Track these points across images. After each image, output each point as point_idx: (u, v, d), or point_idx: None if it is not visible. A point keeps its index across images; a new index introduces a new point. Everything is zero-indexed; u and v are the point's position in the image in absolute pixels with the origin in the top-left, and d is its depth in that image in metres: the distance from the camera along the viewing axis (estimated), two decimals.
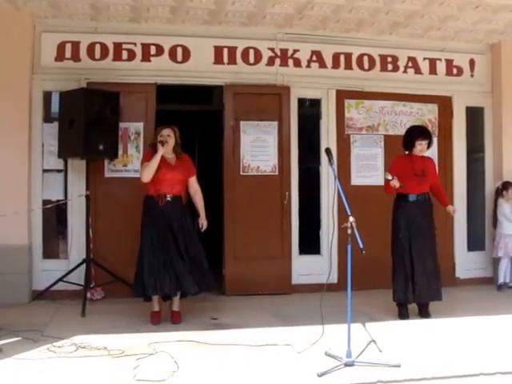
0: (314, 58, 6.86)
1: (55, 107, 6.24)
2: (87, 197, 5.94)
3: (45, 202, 6.26)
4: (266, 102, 6.73)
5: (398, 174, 5.31)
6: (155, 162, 5.06)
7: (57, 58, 6.30)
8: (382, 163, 6.90)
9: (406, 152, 5.52)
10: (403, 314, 5.32)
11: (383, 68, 7.05)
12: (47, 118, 6.36)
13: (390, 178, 5.11)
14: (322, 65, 6.88)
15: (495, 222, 6.96)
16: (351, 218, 3.94)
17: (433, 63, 7.18)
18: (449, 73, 7.23)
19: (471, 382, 3.69)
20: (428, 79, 7.15)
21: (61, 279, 5.91)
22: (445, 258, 6.73)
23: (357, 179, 6.90)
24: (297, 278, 6.68)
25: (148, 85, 6.47)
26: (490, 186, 7.29)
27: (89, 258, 5.86)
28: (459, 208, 7.10)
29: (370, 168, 6.92)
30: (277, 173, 6.73)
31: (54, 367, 3.79)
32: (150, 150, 5.25)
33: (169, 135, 5.20)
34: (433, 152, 6.62)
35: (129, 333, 4.70)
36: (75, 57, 6.32)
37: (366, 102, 7.00)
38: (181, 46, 6.56)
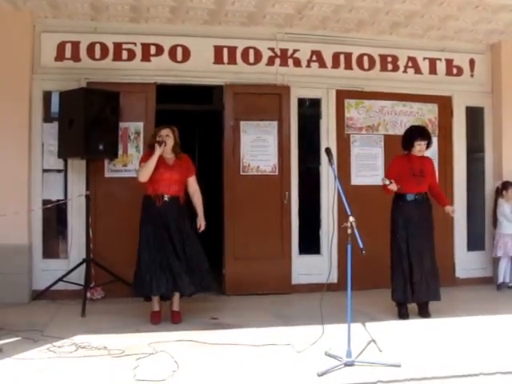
0: (314, 57, 6.86)
1: (55, 107, 6.24)
2: (87, 197, 5.94)
3: (45, 202, 6.26)
4: (266, 101, 6.73)
5: (396, 174, 5.33)
6: (152, 162, 5.06)
7: (57, 58, 6.30)
8: (381, 163, 6.90)
9: (405, 152, 5.52)
10: (403, 314, 5.32)
11: (383, 68, 7.05)
12: (47, 117, 6.35)
13: (387, 183, 5.13)
14: (322, 65, 6.88)
15: (495, 221, 6.96)
16: (351, 218, 3.94)
17: (433, 63, 7.18)
18: (449, 73, 7.23)
19: (471, 381, 3.69)
20: (428, 79, 7.15)
21: (61, 279, 5.91)
22: (445, 257, 6.75)
23: (357, 179, 6.90)
24: (297, 278, 6.68)
25: (148, 84, 6.47)
26: (489, 185, 7.29)
27: (89, 258, 5.86)
28: (459, 208, 7.11)
29: (369, 168, 6.93)
30: (277, 173, 6.73)
31: (54, 367, 3.79)
32: (149, 150, 5.25)
33: (167, 135, 5.19)
34: (433, 152, 6.62)
35: (129, 333, 4.70)
36: (75, 57, 6.32)
37: (365, 101, 7.00)
38: (181, 45, 6.56)
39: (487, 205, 7.29)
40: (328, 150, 4.42)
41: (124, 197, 6.15)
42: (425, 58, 7.15)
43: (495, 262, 7.00)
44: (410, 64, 7.11)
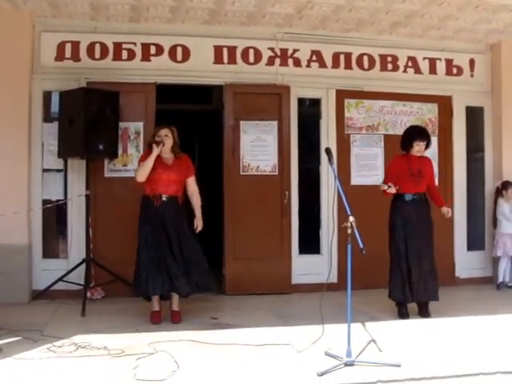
0: (314, 57, 6.86)
1: (55, 107, 6.24)
2: (87, 196, 5.94)
3: (44, 202, 6.26)
4: (266, 101, 6.74)
5: (394, 174, 5.35)
6: (149, 162, 5.06)
7: (56, 58, 6.30)
8: (381, 163, 6.90)
9: (404, 152, 5.52)
10: (403, 314, 5.32)
11: (383, 68, 7.05)
12: (47, 117, 6.35)
13: (385, 187, 5.14)
14: (322, 64, 6.88)
15: (495, 221, 6.97)
16: (351, 218, 3.94)
17: (433, 63, 7.18)
18: (449, 72, 7.24)
19: (471, 381, 3.69)
20: (428, 79, 7.15)
21: (61, 279, 5.91)
22: (445, 257, 6.76)
23: (357, 179, 6.91)
24: (297, 278, 6.69)
25: (148, 84, 6.47)
26: (489, 185, 7.30)
27: (89, 258, 5.86)
28: (459, 207, 7.14)
29: (369, 168, 6.93)
30: (277, 172, 6.73)
31: (54, 367, 3.79)
32: (148, 149, 5.25)
33: (166, 135, 5.19)
34: (433, 152, 6.64)
35: (129, 332, 4.70)
36: (75, 56, 6.32)
37: (365, 101, 7.01)
38: (181, 45, 6.56)
39: (487, 204, 7.29)
40: (328, 150, 4.41)
41: (124, 197, 6.15)
42: (425, 58, 7.15)
43: (495, 261, 7.01)
44: (409, 64, 7.11)
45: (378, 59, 7.03)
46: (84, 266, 5.81)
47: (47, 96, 6.36)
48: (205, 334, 4.61)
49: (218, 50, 6.64)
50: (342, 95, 6.94)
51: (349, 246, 3.91)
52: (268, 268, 6.52)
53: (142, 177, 5.10)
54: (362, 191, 6.53)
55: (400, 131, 6.09)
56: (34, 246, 6.17)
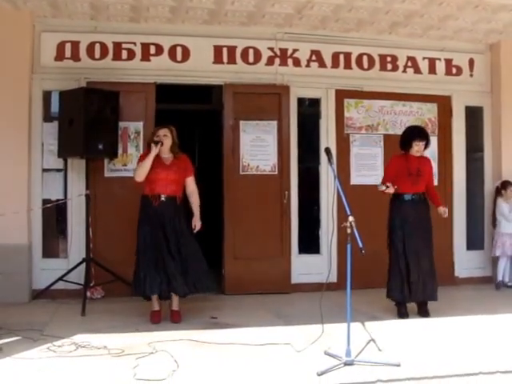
0: (314, 57, 6.87)
1: (55, 107, 6.24)
2: (87, 196, 5.94)
3: (44, 202, 6.27)
4: (266, 101, 6.74)
5: (393, 174, 5.36)
6: (148, 162, 5.07)
7: (56, 58, 6.30)
8: (381, 163, 6.90)
9: (403, 152, 5.52)
10: (402, 313, 5.33)
11: (383, 67, 7.06)
12: (47, 117, 6.36)
13: (383, 188, 5.14)
14: (322, 64, 6.89)
15: (494, 221, 6.97)
16: (351, 218, 3.94)
17: (432, 63, 7.19)
18: (448, 72, 7.24)
19: (471, 381, 3.70)
20: (427, 79, 7.15)
21: (60, 278, 5.92)
22: (444, 257, 6.77)
23: (356, 178, 6.91)
24: (296, 278, 6.69)
25: (148, 84, 6.47)
26: (489, 185, 7.30)
27: (88, 258, 5.86)
28: (458, 207, 7.16)
29: (369, 167, 6.93)
30: (276, 172, 6.73)
31: (54, 366, 3.79)
32: (148, 149, 5.25)
33: (165, 135, 5.19)
34: (432, 151, 6.65)
35: (129, 332, 4.71)
36: (75, 56, 6.33)
37: (365, 101, 7.01)
38: (180, 45, 6.56)
39: (486, 204, 7.30)
40: (327, 150, 4.41)
41: (124, 196, 6.15)
42: (424, 58, 7.16)
43: (494, 261, 7.02)
44: (409, 64, 7.12)
45: (377, 59, 7.03)
46: (84, 265, 5.81)
47: (47, 96, 6.36)
48: (205, 334, 4.61)
49: (217, 50, 6.64)
50: (341, 95, 6.94)
51: (348, 246, 3.91)
52: (268, 268, 6.53)
53: (140, 176, 5.11)
54: (361, 191, 6.54)
55: (400, 131, 6.09)
56: (33, 246, 6.18)
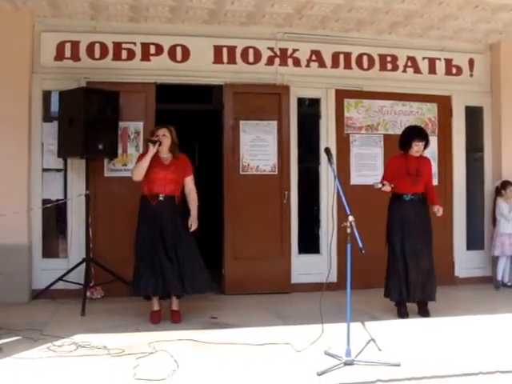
0: (314, 57, 6.87)
1: (55, 106, 6.24)
2: (87, 196, 5.94)
3: (44, 202, 6.26)
4: (266, 101, 6.74)
5: (391, 174, 5.36)
6: (145, 161, 5.07)
7: (56, 58, 6.30)
8: (381, 163, 6.90)
9: (402, 152, 5.52)
10: (402, 313, 5.33)
11: (382, 67, 7.06)
12: (47, 117, 6.36)
13: (379, 186, 5.15)
14: (322, 64, 6.89)
15: (495, 221, 6.97)
16: (351, 218, 3.94)
17: (432, 63, 7.19)
18: (448, 72, 7.24)
19: (471, 380, 3.70)
20: (427, 79, 7.15)
21: (60, 278, 5.91)
22: (444, 256, 6.78)
23: (356, 178, 6.91)
24: (296, 277, 6.69)
25: (147, 84, 6.47)
26: (489, 185, 7.30)
27: (88, 257, 5.86)
28: (458, 207, 7.16)
29: (369, 167, 6.93)
30: (276, 172, 6.73)
31: (54, 366, 3.79)
32: (147, 149, 5.25)
33: (164, 135, 5.18)
34: (432, 151, 6.65)
35: (128, 332, 4.71)
36: (75, 56, 6.33)
37: (365, 101, 7.01)
38: (180, 45, 6.56)
39: (486, 204, 7.30)
40: (327, 150, 4.41)
41: (123, 196, 6.14)
42: (424, 58, 7.16)
43: (494, 261, 7.02)
44: (409, 64, 7.12)
45: (377, 59, 7.03)
46: (84, 265, 5.81)
47: (47, 96, 6.36)
48: (205, 334, 4.61)
49: (217, 50, 6.64)
50: (341, 95, 6.94)
51: (348, 246, 3.91)
52: (268, 268, 6.53)
53: (137, 176, 5.11)
54: (361, 191, 6.52)
55: (399, 131, 6.09)
56: (33, 246, 6.18)
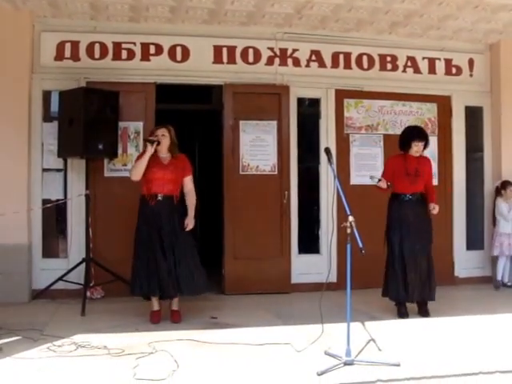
0: (314, 57, 6.87)
1: (55, 106, 6.25)
2: (87, 196, 5.94)
3: (44, 202, 6.27)
4: (266, 101, 6.74)
5: (390, 174, 5.36)
6: (143, 161, 5.06)
7: (56, 58, 6.30)
8: (381, 163, 6.88)
9: (401, 152, 5.52)
10: (402, 313, 5.33)
11: (382, 67, 7.06)
12: (47, 117, 6.36)
13: (375, 181, 5.15)
14: (322, 64, 6.89)
15: (494, 220, 6.98)
16: (350, 218, 3.94)
17: (432, 63, 7.19)
18: (448, 72, 7.25)
19: (471, 380, 3.70)
20: (427, 79, 7.16)
21: (60, 278, 5.91)
22: (444, 256, 6.78)
23: (356, 178, 6.91)
24: (296, 277, 6.69)
25: (147, 84, 6.47)
26: (489, 185, 7.31)
27: (88, 257, 5.86)
28: (458, 207, 7.17)
29: (369, 167, 6.91)
30: (276, 172, 6.73)
31: (54, 366, 3.79)
32: (144, 149, 5.25)
33: (163, 135, 5.17)
34: (432, 151, 6.65)
35: (128, 332, 4.71)
36: (75, 56, 6.33)
37: (365, 101, 7.01)
38: (180, 45, 6.56)
39: (486, 204, 7.30)
40: (327, 150, 4.41)
41: (123, 196, 6.14)
42: (424, 58, 7.16)
43: (494, 261, 7.02)
44: (409, 64, 7.12)
45: (377, 59, 7.03)
46: (84, 265, 5.81)
47: (47, 96, 6.36)
48: (204, 334, 4.61)
49: (217, 50, 6.64)
50: (341, 95, 6.94)
51: (348, 246, 3.91)
52: (268, 268, 6.53)
53: (135, 175, 5.11)
54: (361, 191, 6.53)
55: (399, 131, 6.09)
56: (33, 246, 6.18)
